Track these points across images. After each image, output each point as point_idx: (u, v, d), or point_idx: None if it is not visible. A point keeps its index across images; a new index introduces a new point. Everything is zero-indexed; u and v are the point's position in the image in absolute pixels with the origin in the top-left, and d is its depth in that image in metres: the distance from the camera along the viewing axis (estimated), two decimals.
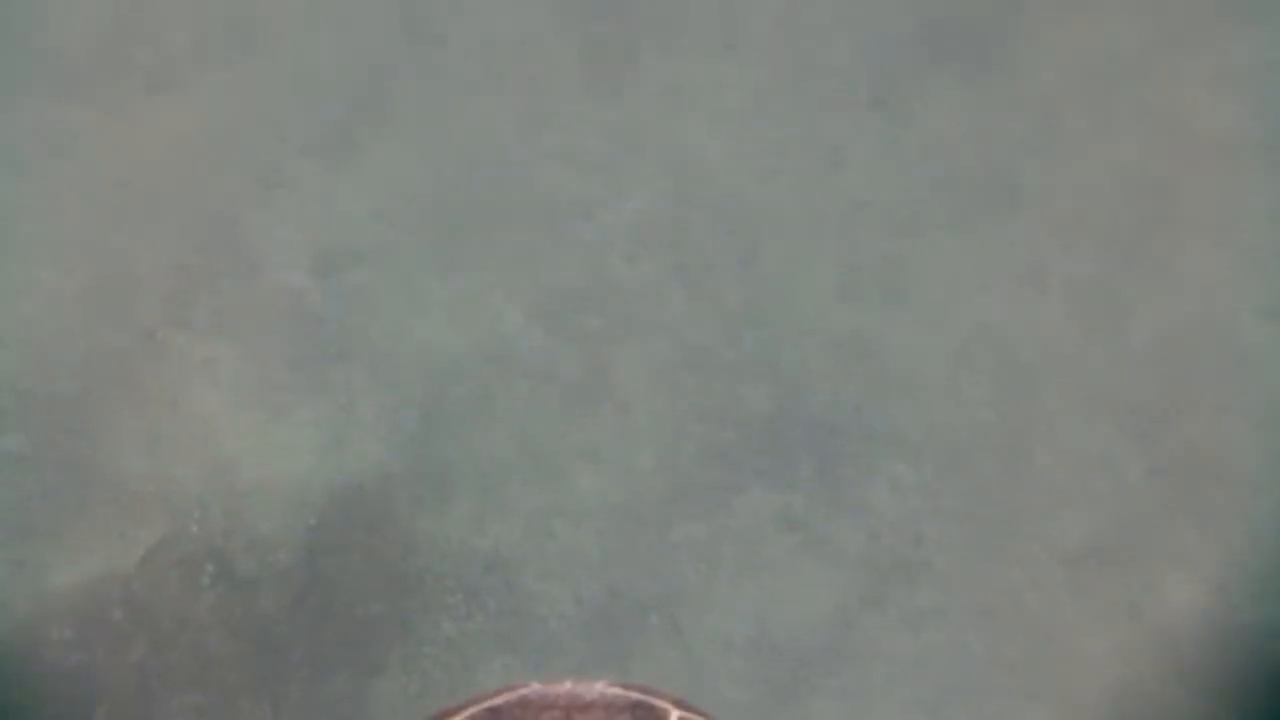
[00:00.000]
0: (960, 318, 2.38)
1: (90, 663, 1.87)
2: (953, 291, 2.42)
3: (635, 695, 0.80)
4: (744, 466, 2.27)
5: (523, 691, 0.81)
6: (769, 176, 2.62)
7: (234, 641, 1.91)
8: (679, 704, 0.81)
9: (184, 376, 2.26)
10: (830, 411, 2.33)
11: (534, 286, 2.53)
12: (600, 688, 0.81)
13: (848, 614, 2.05)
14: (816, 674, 2.00)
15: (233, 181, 2.57)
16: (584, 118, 2.74)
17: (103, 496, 2.06)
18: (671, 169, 2.66)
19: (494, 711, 0.79)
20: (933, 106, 2.61)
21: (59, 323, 2.25)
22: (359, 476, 2.23)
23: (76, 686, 1.87)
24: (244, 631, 1.92)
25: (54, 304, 2.27)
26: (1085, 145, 2.48)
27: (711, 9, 2.78)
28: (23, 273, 2.29)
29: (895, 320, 2.41)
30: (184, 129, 2.60)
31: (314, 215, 2.58)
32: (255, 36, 2.77)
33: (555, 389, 2.41)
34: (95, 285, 2.32)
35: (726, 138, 2.69)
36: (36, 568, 1.94)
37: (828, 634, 2.04)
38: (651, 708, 0.79)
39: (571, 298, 2.52)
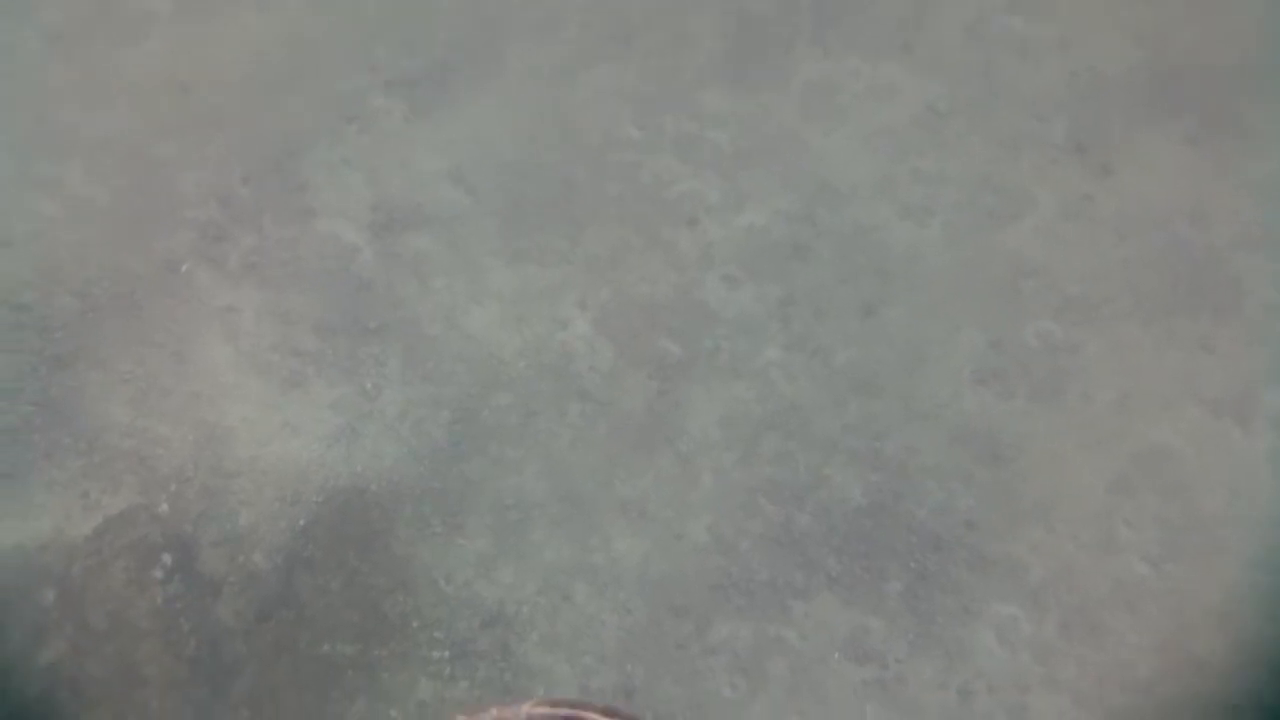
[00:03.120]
0: (1129, 436, 1.88)
1: None
2: (1124, 401, 1.92)
3: (564, 712, 0.85)
4: (817, 566, 1.84)
5: None
6: (918, 215, 2.15)
7: (169, 657, 1.61)
8: (609, 712, 0.86)
9: (198, 322, 1.97)
10: (937, 520, 1.87)
11: (613, 294, 2.14)
12: (527, 709, 0.86)
13: None
14: None
15: (307, 106, 2.26)
16: (713, 107, 2.32)
17: (75, 445, 1.80)
18: (801, 185, 2.22)
19: None
20: (1143, 164, 2.10)
21: (77, 232, 1.99)
22: (365, 480, 1.90)
23: None
24: (185, 647, 1.62)
25: (77, 209, 2.01)
26: None
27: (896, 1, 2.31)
28: (51, 167, 2.03)
29: (1042, 422, 1.93)
30: (269, 36, 2.30)
31: (386, 162, 2.25)
32: None
33: (612, 423, 2.02)
34: (128, 196, 2.05)
35: (876, 159, 2.23)
36: None
37: None
38: None
39: (654, 315, 2.12)
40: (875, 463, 1.93)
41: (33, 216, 1.98)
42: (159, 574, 1.68)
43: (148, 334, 1.94)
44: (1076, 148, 2.14)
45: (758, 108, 2.28)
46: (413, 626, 1.74)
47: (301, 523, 1.84)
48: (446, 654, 1.73)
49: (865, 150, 2.20)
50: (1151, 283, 2.02)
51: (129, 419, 1.84)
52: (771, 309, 2.10)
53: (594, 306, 2.12)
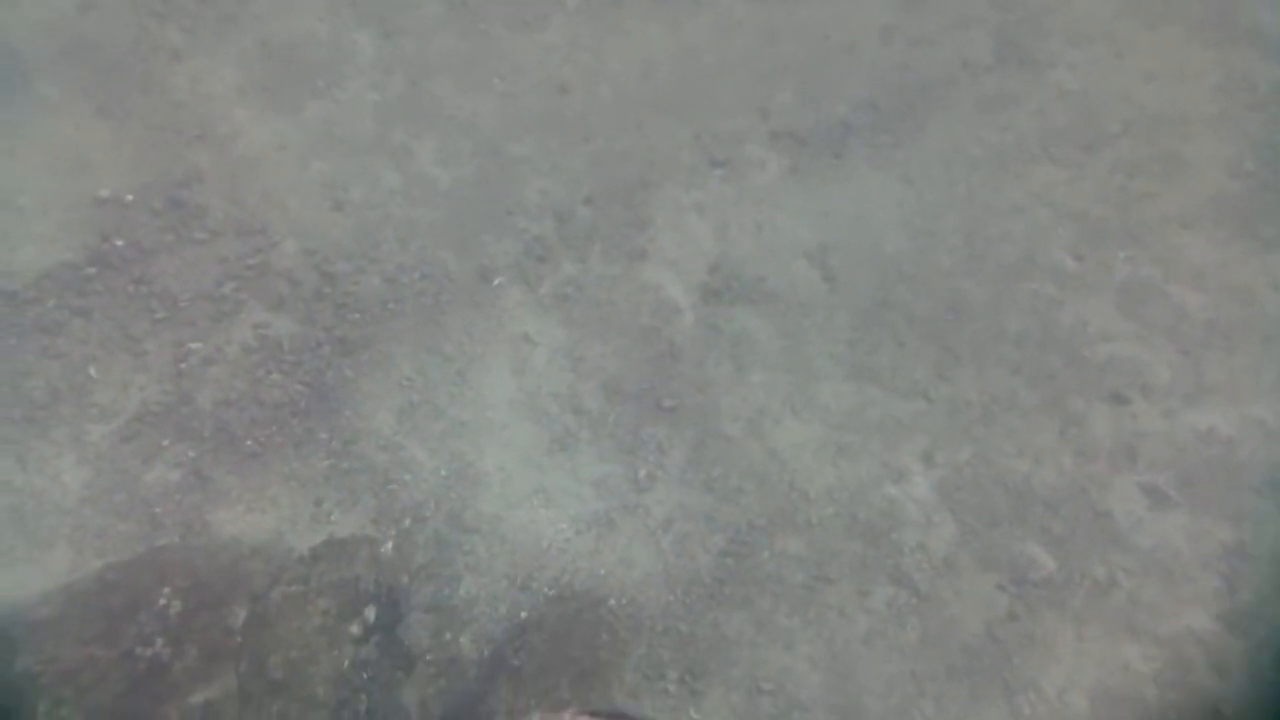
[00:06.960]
0: None
1: (153, 675, 1.39)
2: None
3: None
4: None
5: None
6: None
7: None
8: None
9: (491, 344, 1.73)
10: None
11: (976, 457, 1.63)
12: (568, 716, 0.86)
13: None
14: None
15: (676, 137, 1.98)
16: (1192, 256, 1.72)
17: (329, 442, 1.61)
18: None
19: None
20: None
21: (410, 212, 1.84)
22: (605, 589, 1.53)
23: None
24: None
25: (418, 188, 1.86)
26: None
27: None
28: (407, 138, 1.90)
29: None
30: (663, 53, 2.05)
31: (742, 219, 1.90)
32: None
33: (930, 630, 1.50)
34: (470, 188, 1.88)
35: None
36: (210, 494, 1.54)
37: None
38: None
39: (1025, 505, 1.58)
40: None
41: (374, 185, 1.85)
42: (357, 629, 1.43)
43: (439, 343, 1.73)
44: None
45: (1261, 271, 1.64)
46: None
47: (523, 615, 1.52)
48: None
49: None
50: None
51: (390, 430, 1.63)
52: (1210, 557, 1.46)
53: (944, 465, 1.61)
